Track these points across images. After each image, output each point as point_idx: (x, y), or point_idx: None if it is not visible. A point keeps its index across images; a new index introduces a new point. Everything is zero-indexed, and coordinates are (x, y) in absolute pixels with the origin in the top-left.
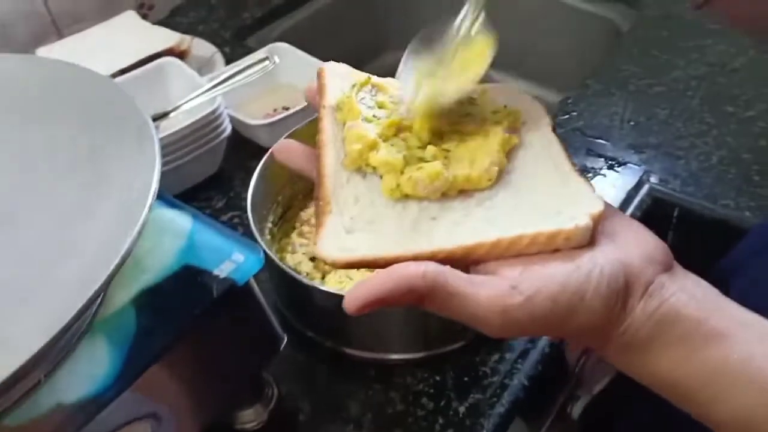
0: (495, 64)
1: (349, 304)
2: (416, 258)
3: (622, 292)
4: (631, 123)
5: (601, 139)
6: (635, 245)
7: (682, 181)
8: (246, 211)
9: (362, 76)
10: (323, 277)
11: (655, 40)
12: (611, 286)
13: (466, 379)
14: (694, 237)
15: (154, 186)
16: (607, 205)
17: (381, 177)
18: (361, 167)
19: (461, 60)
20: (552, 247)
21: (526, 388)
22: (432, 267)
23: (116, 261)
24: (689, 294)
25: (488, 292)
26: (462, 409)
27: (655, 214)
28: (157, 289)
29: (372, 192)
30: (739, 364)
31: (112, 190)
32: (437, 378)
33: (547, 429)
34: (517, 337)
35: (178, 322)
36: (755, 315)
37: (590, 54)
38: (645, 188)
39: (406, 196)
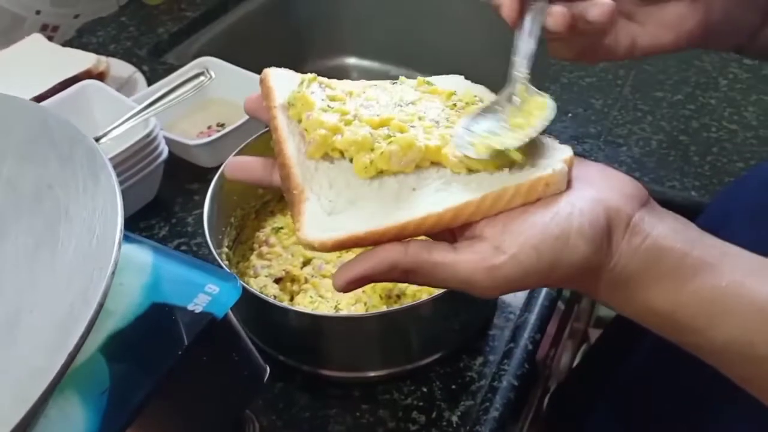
0: (423, 68)
1: (337, 283)
2: (406, 227)
3: (605, 229)
4: (570, 115)
5: (543, 133)
6: (610, 184)
7: (628, 168)
8: (194, 238)
9: (306, 75)
10: (291, 299)
11: None
12: (593, 225)
13: (453, 386)
14: None
15: (120, 220)
16: (577, 155)
17: (350, 160)
18: (327, 153)
19: (521, 115)
20: (535, 197)
21: (517, 388)
22: (414, 243)
23: (90, 315)
24: (670, 227)
25: (472, 256)
26: (455, 418)
27: None
28: (127, 333)
29: (345, 174)
30: (731, 290)
31: (71, 234)
32: (424, 389)
33: (528, 424)
34: (509, 293)
35: (156, 367)
36: (732, 246)
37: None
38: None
39: (381, 173)
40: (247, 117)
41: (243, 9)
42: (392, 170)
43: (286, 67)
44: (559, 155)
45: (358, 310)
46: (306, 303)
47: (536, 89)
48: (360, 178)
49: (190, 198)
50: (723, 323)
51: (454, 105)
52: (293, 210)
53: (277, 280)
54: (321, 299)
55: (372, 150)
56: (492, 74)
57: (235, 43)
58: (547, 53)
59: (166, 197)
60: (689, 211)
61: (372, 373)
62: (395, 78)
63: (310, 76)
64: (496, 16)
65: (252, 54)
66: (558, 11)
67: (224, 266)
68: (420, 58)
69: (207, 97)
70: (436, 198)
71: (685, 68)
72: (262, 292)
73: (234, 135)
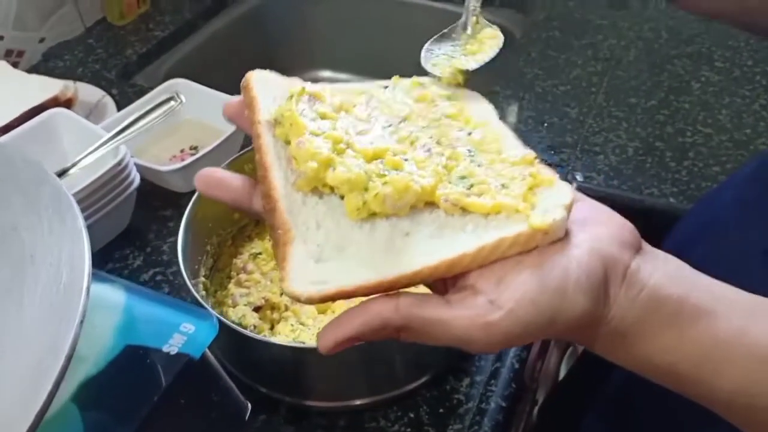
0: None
1: (323, 346)
2: (399, 281)
3: (602, 280)
4: (546, 125)
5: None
6: (606, 230)
7: (606, 176)
8: (169, 267)
9: (295, 84)
10: (272, 328)
11: (550, 41)
12: (591, 277)
13: (441, 410)
14: None
15: (87, 266)
16: (573, 191)
17: (341, 197)
18: (317, 188)
19: (476, 43)
20: (532, 245)
21: (505, 409)
22: (405, 298)
23: (57, 370)
24: (664, 273)
25: (467, 312)
26: None
27: None
28: (101, 380)
29: (334, 213)
30: (732, 339)
31: (37, 281)
32: (411, 415)
33: None
34: (508, 347)
35: (132, 415)
36: (727, 286)
37: (489, 62)
38: (573, 187)
39: (373, 215)
40: (220, 140)
41: (212, 27)
42: (386, 213)
43: None
44: (558, 198)
45: None
46: (287, 332)
47: (487, 21)
48: (351, 219)
49: (164, 225)
50: (726, 373)
51: (438, 119)
52: (278, 250)
53: (257, 309)
54: (302, 327)
55: (366, 189)
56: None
57: (206, 62)
58: (521, 63)
59: (140, 225)
60: (668, 218)
61: (357, 402)
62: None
63: (298, 88)
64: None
65: (223, 71)
66: None
67: (200, 298)
68: (393, 70)
69: (178, 120)
70: (430, 247)
71: (658, 72)
72: (241, 322)
73: (207, 159)
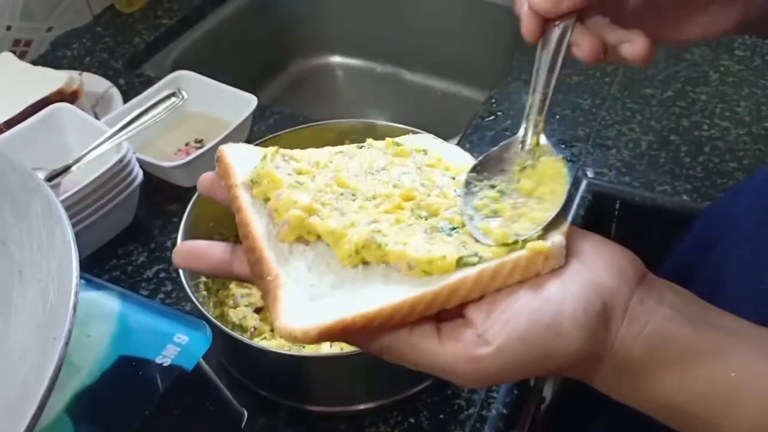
0: (407, 64)
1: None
2: (400, 309)
3: (601, 315)
4: (557, 117)
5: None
6: (604, 262)
7: (617, 172)
8: (172, 264)
9: (268, 149)
10: (272, 330)
11: None
12: (588, 311)
13: (442, 416)
14: (637, 227)
15: (75, 283)
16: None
17: (328, 244)
18: (302, 236)
19: (534, 176)
20: (533, 272)
21: (505, 417)
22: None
23: (42, 391)
24: (670, 306)
25: (454, 344)
26: None
27: (597, 209)
28: (94, 391)
29: (324, 257)
30: (744, 379)
31: (25, 299)
32: (412, 420)
33: None
34: (494, 385)
35: (124, 427)
36: (738, 320)
37: (502, 47)
38: (584, 184)
39: (367, 262)
40: (225, 133)
41: (220, 13)
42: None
43: (269, 68)
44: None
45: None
46: None
47: (552, 147)
48: (343, 264)
49: (169, 220)
50: (739, 415)
51: (419, 167)
52: (268, 298)
53: (258, 310)
54: None
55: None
56: (474, 69)
57: (215, 49)
58: (534, 52)
59: (145, 221)
60: (682, 217)
61: (358, 407)
62: (381, 75)
63: (272, 149)
64: (479, 13)
65: (233, 58)
66: (587, 44)
67: (197, 303)
68: (404, 55)
69: (184, 113)
70: (429, 275)
71: (674, 62)
72: (242, 324)
73: (211, 153)
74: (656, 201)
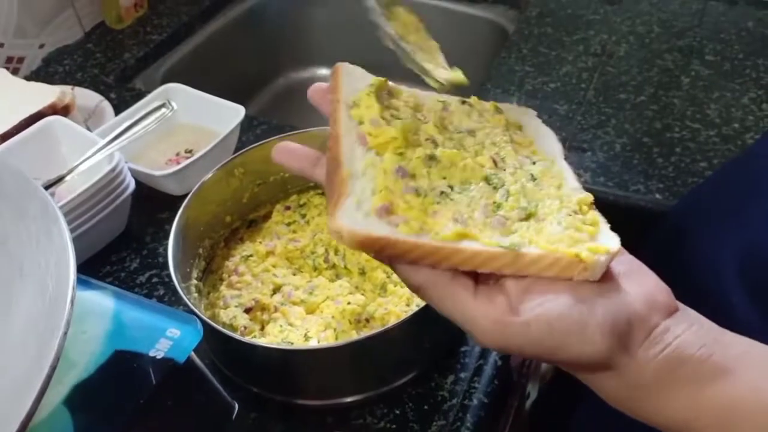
0: (392, 74)
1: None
2: (439, 250)
3: (624, 334)
4: None
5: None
6: (640, 289)
7: (593, 173)
8: (165, 269)
9: (377, 78)
10: (262, 328)
11: (541, 37)
12: (615, 325)
13: (425, 407)
14: (613, 225)
15: (72, 278)
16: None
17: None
18: (378, 163)
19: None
20: (568, 275)
21: (486, 405)
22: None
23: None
24: (691, 333)
25: (486, 303)
26: None
27: None
28: (91, 384)
29: (389, 177)
30: (752, 397)
31: (24, 293)
32: (397, 412)
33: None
34: (507, 353)
35: (120, 417)
36: (749, 342)
37: (482, 57)
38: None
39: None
40: (214, 143)
41: (209, 29)
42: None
43: (257, 81)
44: (606, 242)
45: (328, 336)
46: (276, 332)
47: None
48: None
49: (161, 227)
50: (744, 430)
51: (508, 142)
52: (331, 197)
53: (248, 310)
54: (291, 328)
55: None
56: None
57: (204, 64)
58: (512, 60)
59: (137, 228)
60: (653, 215)
61: (345, 399)
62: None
63: (380, 79)
64: (459, 24)
65: (221, 72)
66: None
67: (189, 302)
68: (387, 66)
69: (174, 124)
70: (480, 233)
71: (648, 68)
72: (232, 324)
73: (200, 162)
74: (630, 200)
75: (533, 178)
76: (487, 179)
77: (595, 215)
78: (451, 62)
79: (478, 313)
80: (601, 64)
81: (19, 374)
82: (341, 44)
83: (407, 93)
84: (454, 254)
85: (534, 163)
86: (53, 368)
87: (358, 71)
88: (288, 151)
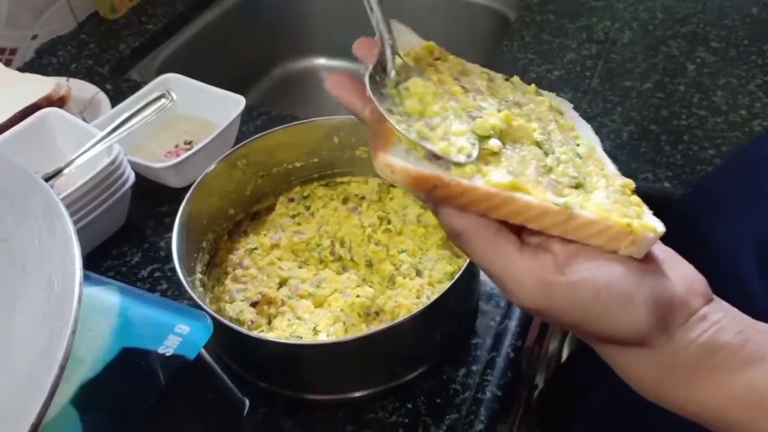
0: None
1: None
2: (492, 197)
3: (666, 315)
4: None
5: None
6: (682, 275)
7: None
8: (167, 263)
9: (425, 42)
10: (269, 323)
11: (544, 24)
12: (658, 304)
13: (438, 400)
14: None
15: (78, 274)
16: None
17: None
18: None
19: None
20: (615, 246)
21: (500, 399)
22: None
23: (51, 380)
24: (730, 320)
25: (532, 259)
26: None
27: None
28: (98, 382)
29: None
30: None
31: (29, 292)
32: (409, 406)
33: (518, 423)
34: (540, 316)
35: (129, 416)
36: None
37: (484, 45)
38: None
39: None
40: (214, 134)
41: (204, 18)
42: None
43: (254, 72)
44: (653, 223)
45: (337, 330)
46: (284, 326)
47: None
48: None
49: (162, 221)
50: None
51: (550, 122)
52: (377, 141)
53: (254, 304)
54: (299, 321)
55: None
56: None
57: (200, 54)
58: (515, 47)
59: (137, 222)
60: (663, 203)
61: (355, 394)
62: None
63: (431, 43)
64: (459, 11)
65: (218, 62)
66: None
67: (195, 297)
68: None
69: (173, 115)
70: (534, 188)
71: (653, 55)
72: (239, 318)
73: (201, 154)
74: (639, 189)
75: (579, 156)
76: (538, 144)
77: (638, 199)
78: (452, 51)
79: (522, 268)
80: (605, 52)
81: (26, 374)
82: (339, 33)
83: (454, 59)
84: (507, 203)
85: (578, 144)
86: (63, 368)
87: (405, 29)
88: (342, 85)
